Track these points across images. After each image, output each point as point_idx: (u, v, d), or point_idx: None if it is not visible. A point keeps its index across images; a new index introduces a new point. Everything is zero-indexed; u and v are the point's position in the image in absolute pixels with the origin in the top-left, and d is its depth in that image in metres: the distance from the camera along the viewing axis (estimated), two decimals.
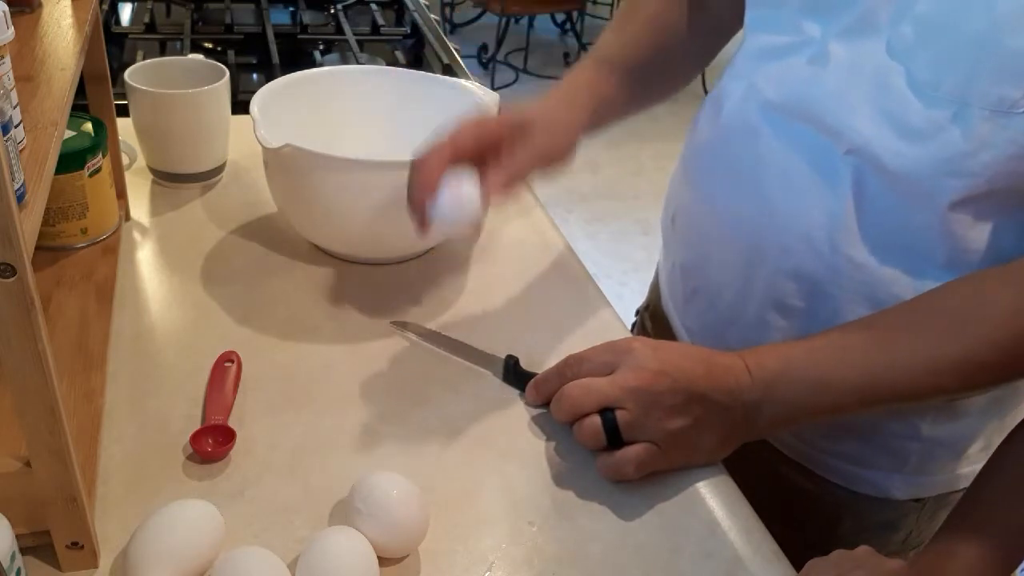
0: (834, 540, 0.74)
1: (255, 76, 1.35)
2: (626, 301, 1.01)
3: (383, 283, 0.82)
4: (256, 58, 1.38)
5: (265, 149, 0.73)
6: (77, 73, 0.59)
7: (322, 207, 0.78)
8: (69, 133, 0.77)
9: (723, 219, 0.72)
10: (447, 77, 0.93)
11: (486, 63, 4.21)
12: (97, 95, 0.81)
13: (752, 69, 0.69)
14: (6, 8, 0.48)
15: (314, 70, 0.89)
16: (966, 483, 0.73)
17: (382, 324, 0.76)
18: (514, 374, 0.70)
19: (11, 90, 0.47)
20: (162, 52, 1.38)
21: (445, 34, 1.49)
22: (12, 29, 0.49)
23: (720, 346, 0.66)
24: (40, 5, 0.66)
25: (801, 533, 0.65)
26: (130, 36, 1.39)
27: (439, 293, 0.81)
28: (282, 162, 0.76)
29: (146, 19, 1.40)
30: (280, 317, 0.76)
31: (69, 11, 0.67)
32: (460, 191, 0.62)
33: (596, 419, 0.61)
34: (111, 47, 1.32)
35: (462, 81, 0.91)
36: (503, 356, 0.71)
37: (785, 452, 0.76)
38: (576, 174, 3.28)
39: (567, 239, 0.92)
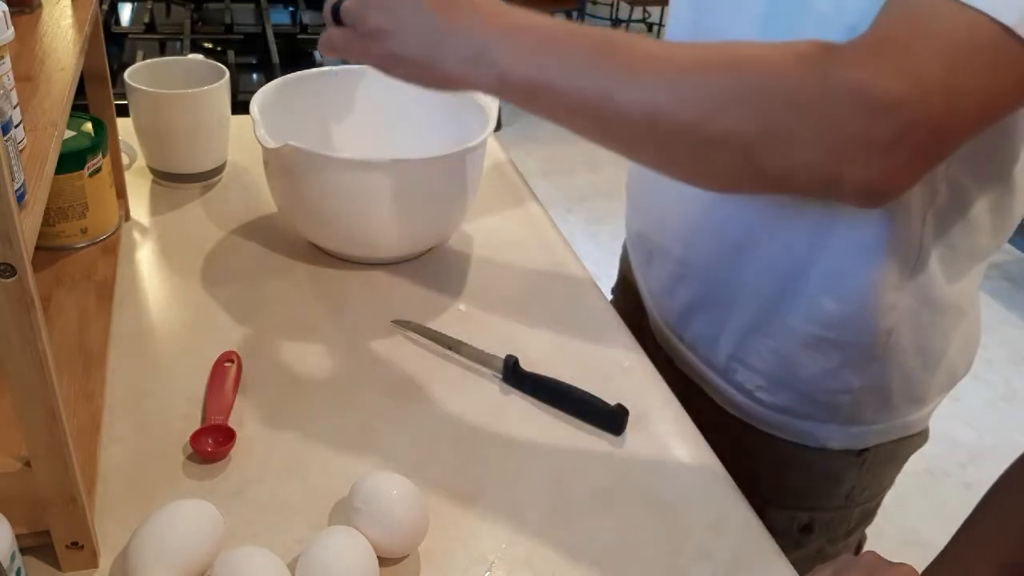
0: (783, 493, 0.76)
1: (255, 76, 1.36)
2: None
3: (383, 283, 0.82)
4: (256, 58, 1.38)
5: (265, 149, 0.73)
6: (77, 73, 0.59)
7: (322, 207, 0.78)
8: (69, 133, 0.77)
9: (665, 186, 0.74)
10: None
11: None
12: (97, 95, 0.81)
13: (683, 18, 0.72)
14: (6, 8, 0.48)
15: (314, 70, 0.89)
16: (898, 434, 0.76)
17: (382, 324, 0.76)
18: (514, 374, 0.70)
19: (11, 90, 0.47)
20: (162, 52, 1.38)
21: None
22: (12, 29, 0.49)
23: (673, 303, 0.72)
24: (40, 5, 0.66)
25: (755, 489, 0.66)
26: (130, 36, 1.39)
27: (439, 293, 0.81)
28: (282, 162, 0.76)
29: (146, 19, 1.40)
30: (280, 317, 0.76)
31: (69, 11, 0.67)
32: None
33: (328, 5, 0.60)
34: (111, 47, 1.32)
35: None
36: (503, 356, 0.71)
37: (729, 409, 0.77)
38: (576, 174, 3.28)
39: (567, 239, 0.92)
